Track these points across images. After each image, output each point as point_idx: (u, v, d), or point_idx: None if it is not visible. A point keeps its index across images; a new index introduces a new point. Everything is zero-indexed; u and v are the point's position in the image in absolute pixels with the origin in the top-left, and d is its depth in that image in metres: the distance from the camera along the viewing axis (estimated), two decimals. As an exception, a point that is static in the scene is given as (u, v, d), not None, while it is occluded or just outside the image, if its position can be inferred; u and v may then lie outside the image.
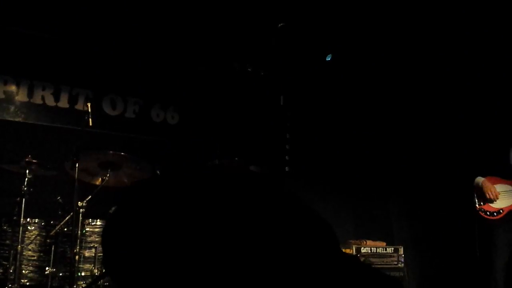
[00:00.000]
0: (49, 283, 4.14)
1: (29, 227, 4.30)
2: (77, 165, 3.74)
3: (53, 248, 4.22)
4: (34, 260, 4.32)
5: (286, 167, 6.61)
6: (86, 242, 4.28)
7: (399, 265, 4.68)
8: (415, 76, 5.82)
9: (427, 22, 5.24)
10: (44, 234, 4.36)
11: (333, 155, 6.51)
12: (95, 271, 4.19)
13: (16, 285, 3.98)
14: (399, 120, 6.03)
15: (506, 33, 4.85)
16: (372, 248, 4.70)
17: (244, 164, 5.42)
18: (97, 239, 4.33)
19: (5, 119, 5.32)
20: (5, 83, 5.37)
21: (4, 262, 4.27)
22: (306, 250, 1.51)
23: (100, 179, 4.26)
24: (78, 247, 3.93)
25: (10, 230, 4.30)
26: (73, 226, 3.89)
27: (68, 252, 4.13)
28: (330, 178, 6.50)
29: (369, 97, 6.33)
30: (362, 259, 4.58)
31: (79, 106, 5.54)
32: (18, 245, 4.06)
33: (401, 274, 4.61)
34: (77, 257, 3.88)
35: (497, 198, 4.34)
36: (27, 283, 4.24)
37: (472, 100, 5.19)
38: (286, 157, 6.65)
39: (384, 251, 4.70)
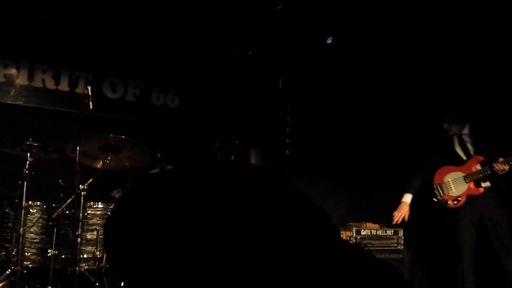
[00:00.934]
0: (52, 265, 4.18)
1: (31, 210, 4.33)
2: (78, 149, 3.75)
3: (55, 231, 4.25)
4: (36, 242, 4.35)
5: (287, 150, 6.62)
6: (88, 224, 4.31)
7: (399, 247, 4.71)
8: (416, 60, 5.80)
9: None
10: (46, 217, 4.39)
11: (334, 138, 6.51)
12: (97, 253, 4.23)
13: (19, 267, 4.01)
14: (400, 103, 6.02)
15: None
16: (372, 231, 4.73)
17: (245, 147, 5.43)
18: (99, 222, 4.36)
19: (6, 103, 5.33)
20: (5, 67, 5.36)
21: (6, 245, 4.30)
22: (305, 241, 1.53)
23: (101, 162, 4.27)
24: (80, 230, 3.96)
25: (12, 213, 4.32)
26: (75, 209, 3.91)
27: (70, 234, 4.16)
28: (331, 161, 6.51)
29: (370, 80, 6.32)
30: (353, 241, 4.62)
31: (79, 90, 5.54)
32: (21, 228, 4.09)
33: (401, 256, 4.64)
34: (79, 239, 3.91)
35: (398, 221, 4.51)
36: (30, 265, 4.28)
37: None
38: (287, 140, 6.66)
39: (384, 234, 4.73)
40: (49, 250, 4.23)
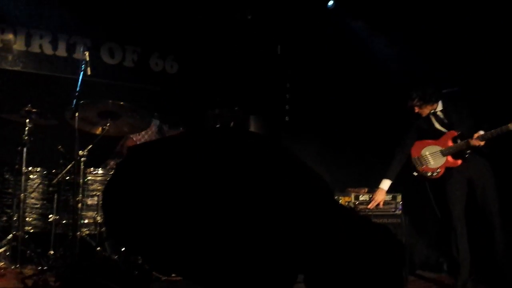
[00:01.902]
0: (53, 230, 4.23)
1: (31, 176, 4.35)
2: (76, 115, 3.73)
3: (56, 196, 4.28)
4: (37, 208, 4.39)
5: (286, 117, 6.62)
6: (88, 190, 4.34)
7: (397, 212, 4.74)
8: (417, 24, 5.72)
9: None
10: (46, 182, 4.42)
11: (333, 104, 6.48)
12: (98, 218, 4.27)
13: (20, 232, 4.05)
14: (403, 67, 5.96)
15: None
16: (370, 196, 4.75)
17: (244, 113, 5.41)
18: (99, 188, 4.38)
19: (4, 68, 5.29)
20: (2, 32, 5.30)
21: (7, 210, 4.34)
22: (300, 205, 1.54)
23: (100, 128, 4.26)
24: (80, 196, 3.98)
25: (12, 179, 4.35)
26: (75, 175, 3.92)
27: (71, 200, 4.19)
28: (330, 127, 6.51)
29: (371, 45, 6.24)
30: (350, 206, 4.67)
31: (77, 55, 5.50)
32: (21, 194, 4.11)
33: (398, 221, 4.67)
34: (79, 205, 3.94)
35: (372, 207, 4.63)
36: (31, 230, 4.33)
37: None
38: (286, 106, 6.64)
39: (382, 199, 4.75)
40: (50, 216, 4.27)
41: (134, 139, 5.02)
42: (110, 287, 1.59)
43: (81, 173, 4.01)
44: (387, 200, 4.78)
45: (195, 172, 1.56)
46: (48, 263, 3.96)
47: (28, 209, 4.32)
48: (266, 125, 6.17)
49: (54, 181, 4.31)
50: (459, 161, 4.45)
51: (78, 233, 3.90)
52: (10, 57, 5.32)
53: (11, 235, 4.12)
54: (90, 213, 4.31)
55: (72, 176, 4.08)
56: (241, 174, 1.57)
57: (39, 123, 4.27)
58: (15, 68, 5.35)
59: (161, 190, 1.57)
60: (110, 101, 3.98)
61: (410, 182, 5.12)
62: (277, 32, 6.60)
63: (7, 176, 4.39)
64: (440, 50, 5.38)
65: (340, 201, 4.74)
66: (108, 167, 4.77)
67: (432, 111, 4.54)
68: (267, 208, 1.52)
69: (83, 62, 3.91)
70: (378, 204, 4.67)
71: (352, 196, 4.77)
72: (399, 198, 4.81)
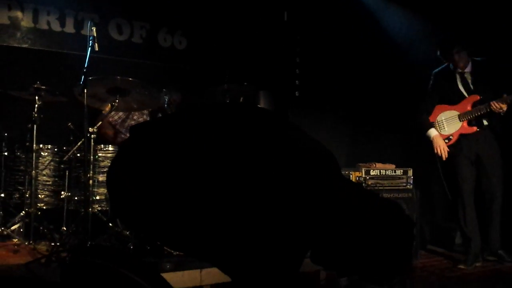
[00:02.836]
0: (65, 207, 4.26)
1: (42, 153, 4.37)
2: (85, 91, 3.72)
3: (67, 173, 4.30)
4: (49, 185, 4.42)
5: (296, 92, 6.56)
6: (99, 167, 4.34)
7: (408, 186, 4.72)
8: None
9: None
10: (57, 159, 4.44)
11: (344, 79, 6.42)
12: (109, 194, 4.28)
13: (32, 208, 4.09)
14: (419, 38, 5.86)
15: None
16: (381, 171, 4.72)
17: (253, 89, 5.37)
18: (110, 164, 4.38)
19: (12, 46, 5.27)
20: (9, 9, 5.27)
21: (19, 187, 4.38)
22: (308, 179, 1.52)
23: (109, 105, 4.25)
24: (91, 172, 3.99)
25: (23, 156, 4.37)
26: (85, 152, 3.93)
27: (82, 176, 4.20)
28: (341, 103, 6.45)
29: (383, 16, 6.13)
30: (360, 181, 4.63)
31: (85, 32, 5.45)
32: (33, 171, 4.14)
33: (410, 195, 4.66)
34: (90, 181, 3.95)
35: (446, 155, 4.40)
36: (44, 207, 4.37)
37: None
38: (296, 81, 6.58)
39: (393, 173, 4.73)
40: (62, 192, 4.30)
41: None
42: (118, 272, 1.59)
43: (91, 150, 4.01)
44: (398, 175, 4.76)
45: (199, 148, 1.54)
46: (61, 239, 4.01)
47: (40, 186, 4.35)
48: (276, 100, 6.12)
49: (65, 158, 4.33)
50: (474, 128, 4.38)
51: (90, 209, 3.92)
52: (18, 34, 5.30)
53: (23, 212, 4.16)
54: (101, 190, 4.32)
55: (83, 153, 4.08)
56: (245, 150, 1.54)
57: (48, 100, 4.26)
58: (23, 45, 5.33)
59: (165, 168, 1.55)
60: (119, 77, 3.96)
61: (421, 156, 5.09)
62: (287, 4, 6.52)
63: (18, 153, 4.42)
64: (458, 20, 5.22)
65: (351, 176, 4.72)
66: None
67: (462, 70, 4.44)
68: (273, 183, 1.50)
69: (91, 37, 3.89)
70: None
71: (363, 171, 4.75)
72: (410, 172, 4.79)
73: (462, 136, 4.44)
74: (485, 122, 4.37)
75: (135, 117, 5.14)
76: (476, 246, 4.45)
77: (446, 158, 4.45)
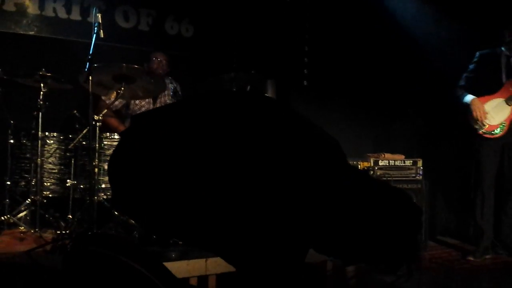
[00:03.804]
0: (71, 195, 4.24)
1: (47, 141, 4.34)
2: (90, 78, 3.68)
3: (73, 161, 4.28)
4: (55, 172, 4.40)
5: (305, 81, 6.49)
6: (105, 155, 4.31)
7: (417, 177, 4.66)
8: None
9: None
10: (63, 147, 4.41)
11: (354, 68, 6.33)
12: (115, 183, 4.24)
13: (38, 196, 4.07)
14: (427, 30, 5.75)
15: None
16: (390, 161, 4.66)
17: (261, 77, 5.30)
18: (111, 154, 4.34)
19: (18, 33, 5.24)
20: (16, -5, 5.23)
21: (25, 175, 4.36)
22: (312, 167, 1.47)
23: (115, 92, 4.20)
24: (97, 160, 3.96)
25: (29, 144, 4.34)
26: (90, 140, 3.89)
27: (88, 165, 4.17)
28: (350, 92, 6.37)
29: (395, 2, 6.03)
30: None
31: (91, 19, 5.41)
32: (38, 158, 4.11)
33: (419, 186, 4.59)
34: (96, 169, 3.92)
35: (485, 118, 4.27)
36: (50, 195, 4.35)
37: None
38: (305, 70, 6.51)
39: (403, 164, 4.66)
40: (68, 180, 4.28)
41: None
42: (119, 260, 1.55)
43: (97, 138, 3.97)
44: (407, 165, 4.70)
45: (203, 137, 1.49)
46: (67, 227, 3.99)
47: (45, 174, 4.33)
48: (284, 89, 6.06)
49: (71, 146, 4.30)
50: None
51: (96, 197, 3.91)
52: (24, 21, 5.26)
53: (29, 200, 4.14)
54: (107, 178, 4.28)
55: (88, 141, 4.05)
56: (249, 139, 1.49)
57: (54, 87, 4.23)
58: (30, 33, 5.30)
59: (167, 158, 1.50)
60: (124, 64, 3.91)
61: (431, 147, 5.02)
62: None
63: (24, 141, 4.39)
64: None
65: (359, 166, 4.66)
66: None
67: (508, 54, 4.33)
68: (278, 172, 1.45)
69: (96, 24, 3.84)
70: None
71: (371, 161, 4.69)
72: (419, 163, 4.72)
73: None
74: None
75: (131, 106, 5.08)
76: (489, 238, 4.40)
77: (484, 123, 4.28)
